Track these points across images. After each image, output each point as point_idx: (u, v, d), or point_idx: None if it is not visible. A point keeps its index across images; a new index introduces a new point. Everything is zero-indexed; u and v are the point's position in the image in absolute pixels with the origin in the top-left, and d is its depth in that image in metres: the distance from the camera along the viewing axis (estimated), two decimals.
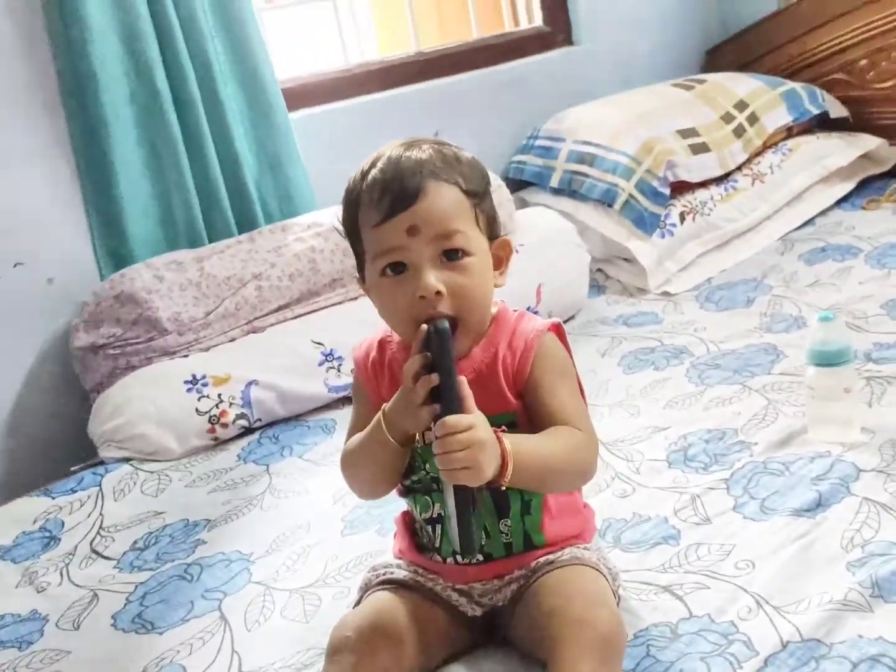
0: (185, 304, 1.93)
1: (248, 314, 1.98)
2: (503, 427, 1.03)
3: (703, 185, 2.50)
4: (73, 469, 1.82)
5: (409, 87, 2.51)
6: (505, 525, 1.11)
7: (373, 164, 1.05)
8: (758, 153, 2.62)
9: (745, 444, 1.50)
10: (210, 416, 1.82)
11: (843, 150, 2.66)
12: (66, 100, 1.96)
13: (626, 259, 2.39)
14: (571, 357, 1.13)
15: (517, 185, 2.62)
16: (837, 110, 2.76)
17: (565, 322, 2.02)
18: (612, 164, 2.42)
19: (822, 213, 2.57)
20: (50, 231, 1.99)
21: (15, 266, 1.95)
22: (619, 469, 1.51)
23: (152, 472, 1.76)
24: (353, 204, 1.07)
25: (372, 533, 1.45)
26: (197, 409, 1.82)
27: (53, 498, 1.72)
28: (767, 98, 2.67)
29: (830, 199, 2.61)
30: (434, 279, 1.01)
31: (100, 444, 1.82)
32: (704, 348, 1.91)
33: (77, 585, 1.47)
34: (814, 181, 2.60)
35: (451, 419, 0.95)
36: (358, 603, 1.14)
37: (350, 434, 1.15)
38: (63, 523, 1.65)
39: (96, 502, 1.69)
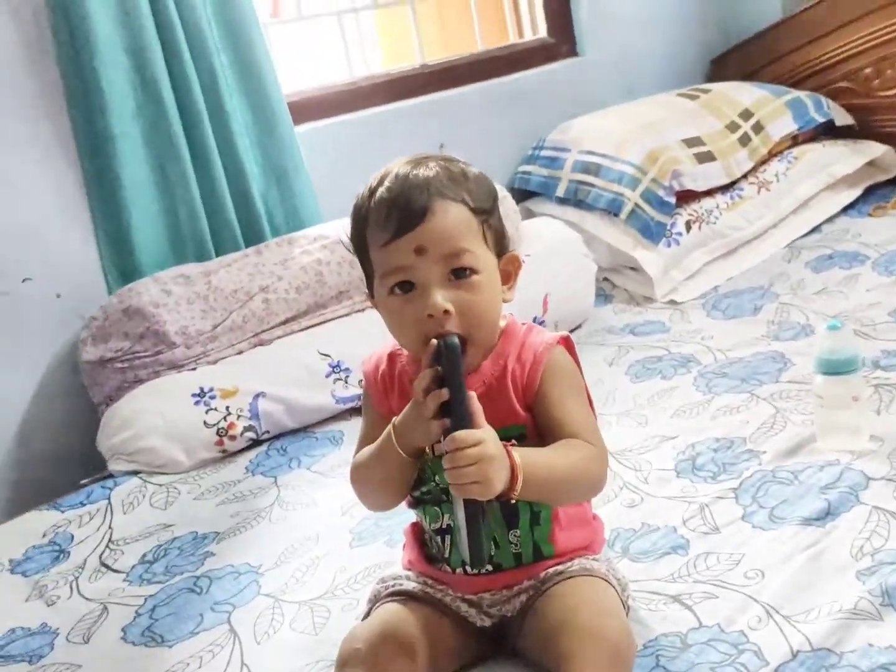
0: (193, 317, 1.94)
1: (256, 327, 1.99)
2: (513, 441, 1.03)
3: (709, 193, 2.50)
4: (82, 483, 1.82)
5: (414, 99, 2.51)
6: (514, 536, 1.11)
7: (380, 182, 1.05)
8: (763, 161, 2.62)
9: (754, 452, 1.50)
10: (218, 429, 1.83)
11: (848, 157, 2.66)
12: (73, 114, 1.97)
13: (632, 268, 2.39)
14: (581, 370, 1.14)
15: (523, 195, 2.62)
16: (843, 118, 2.76)
17: (572, 331, 2.02)
18: (618, 173, 2.43)
19: (829, 220, 2.57)
20: (58, 246, 2.00)
21: (24, 281, 1.96)
22: (628, 479, 1.51)
23: (161, 485, 1.76)
24: (361, 222, 1.07)
25: (380, 545, 1.45)
26: (205, 422, 1.82)
27: (63, 511, 1.72)
28: (772, 107, 2.68)
29: (837, 206, 2.61)
30: (442, 298, 1.01)
31: (108, 458, 1.83)
32: (712, 357, 1.90)
33: (87, 599, 1.47)
34: (820, 189, 2.60)
35: (461, 434, 0.95)
36: (367, 615, 1.14)
37: (360, 446, 1.15)
38: (72, 537, 1.65)
39: (105, 515, 1.69)
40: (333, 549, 1.48)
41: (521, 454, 0.99)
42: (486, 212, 1.07)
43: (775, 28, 2.93)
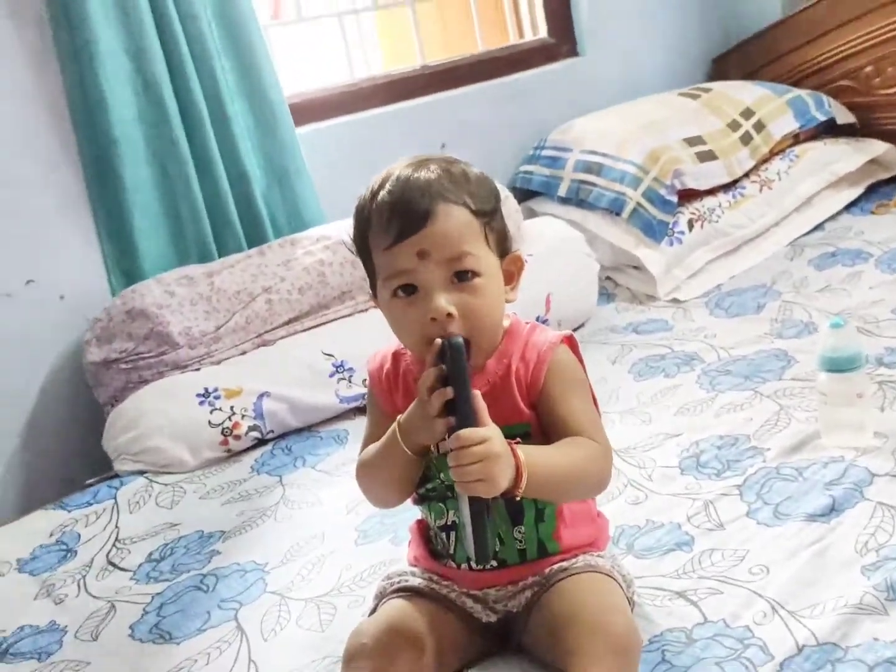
0: (196, 318, 1.95)
1: (259, 327, 2.00)
2: (518, 439, 1.03)
3: (711, 192, 2.50)
4: (88, 482, 1.83)
5: (415, 100, 2.52)
6: (519, 532, 1.11)
7: (381, 185, 1.05)
8: (765, 160, 2.62)
9: (758, 449, 1.50)
10: (223, 429, 1.83)
11: (850, 155, 2.66)
12: (76, 118, 1.98)
13: (635, 267, 2.39)
14: (584, 369, 1.14)
15: (525, 194, 2.63)
16: (844, 116, 2.76)
17: (575, 330, 2.03)
18: (620, 173, 2.43)
19: (831, 218, 2.58)
20: (61, 248, 2.01)
21: (27, 283, 1.97)
22: (632, 476, 1.51)
23: (167, 485, 1.77)
24: (363, 224, 1.07)
25: (385, 542, 1.46)
26: (209, 422, 1.83)
27: (69, 511, 1.73)
28: (774, 105, 2.68)
29: (839, 204, 2.61)
30: (444, 302, 1.02)
31: (114, 458, 1.84)
32: (715, 355, 1.91)
33: (94, 597, 1.48)
34: (822, 187, 2.60)
35: (466, 432, 0.95)
36: (373, 611, 1.15)
37: (365, 444, 1.15)
38: (79, 536, 1.66)
39: (112, 515, 1.70)
40: (339, 546, 1.48)
41: (525, 452, 0.99)
42: (488, 213, 1.07)
43: (776, 27, 2.93)
